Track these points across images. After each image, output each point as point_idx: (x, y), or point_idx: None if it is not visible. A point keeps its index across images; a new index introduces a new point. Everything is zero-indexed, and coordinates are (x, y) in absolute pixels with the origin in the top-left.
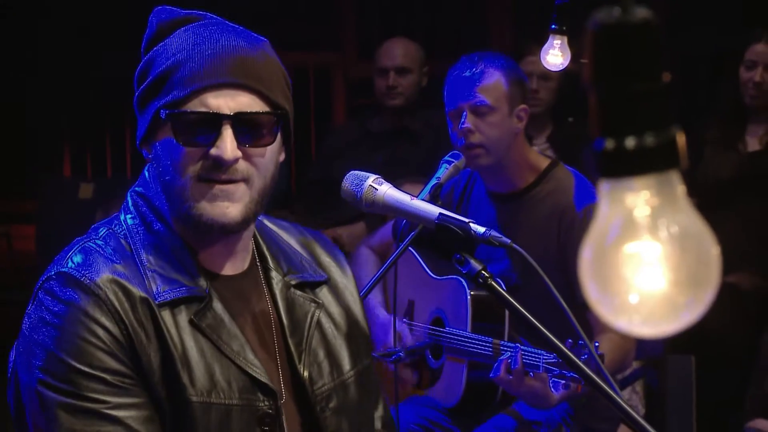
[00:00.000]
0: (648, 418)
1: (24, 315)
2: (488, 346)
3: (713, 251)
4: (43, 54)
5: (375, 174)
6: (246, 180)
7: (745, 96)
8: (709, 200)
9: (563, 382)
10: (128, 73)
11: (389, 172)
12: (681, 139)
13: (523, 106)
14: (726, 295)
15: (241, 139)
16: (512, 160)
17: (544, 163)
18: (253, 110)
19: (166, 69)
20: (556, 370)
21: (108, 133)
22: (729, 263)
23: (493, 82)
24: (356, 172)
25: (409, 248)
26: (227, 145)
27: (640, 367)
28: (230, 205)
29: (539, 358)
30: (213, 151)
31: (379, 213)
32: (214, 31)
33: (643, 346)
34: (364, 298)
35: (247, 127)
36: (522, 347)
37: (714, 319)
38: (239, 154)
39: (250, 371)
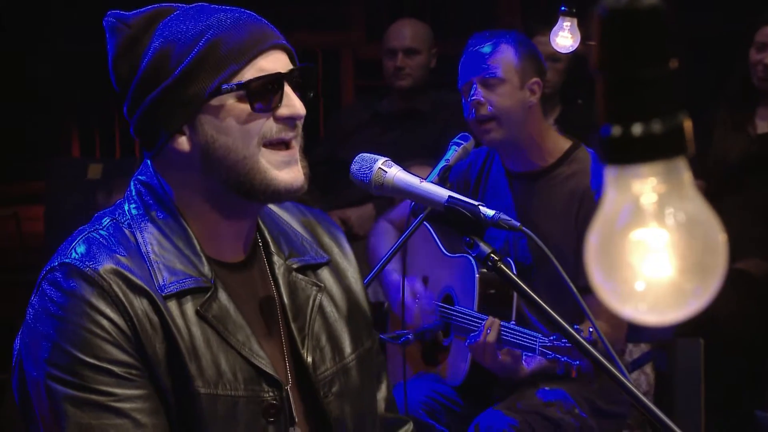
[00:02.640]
0: (657, 400)
1: (27, 305)
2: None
3: (720, 238)
4: (52, 32)
5: (384, 156)
6: (299, 136)
7: (755, 78)
8: (718, 184)
9: (538, 358)
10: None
11: (398, 153)
12: (688, 125)
13: (535, 79)
14: (736, 280)
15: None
16: (529, 136)
17: (566, 144)
18: (298, 66)
19: (203, 49)
20: (551, 354)
21: (117, 114)
22: (738, 248)
23: (503, 55)
24: (365, 154)
25: (426, 224)
26: (295, 101)
27: (650, 350)
28: (296, 168)
29: (535, 341)
30: (284, 110)
31: (389, 195)
32: (221, 8)
33: (653, 330)
34: (379, 272)
35: (296, 84)
36: (505, 324)
37: (724, 304)
38: (304, 108)
39: (255, 362)
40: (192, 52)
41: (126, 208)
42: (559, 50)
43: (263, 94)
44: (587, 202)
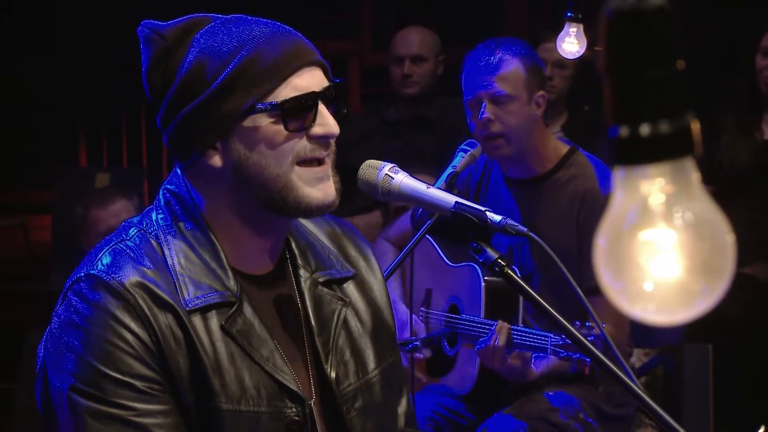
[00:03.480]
0: (665, 406)
1: (53, 313)
2: None
3: (728, 239)
4: (59, 41)
5: (391, 163)
6: (332, 153)
7: (761, 83)
8: (725, 189)
9: (545, 362)
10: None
11: (405, 160)
12: (696, 126)
13: (541, 92)
14: (744, 285)
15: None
16: (532, 146)
17: (563, 149)
18: (333, 83)
19: (238, 66)
20: (563, 353)
21: (124, 123)
22: (745, 253)
23: (512, 70)
24: (372, 161)
25: (427, 237)
26: (329, 120)
27: (658, 355)
28: (329, 185)
29: (547, 341)
30: (318, 129)
31: (396, 202)
32: (257, 21)
33: (661, 335)
34: None
35: (330, 101)
36: (515, 327)
37: (732, 309)
38: (337, 127)
39: (278, 377)
40: (227, 69)
41: (154, 217)
42: (565, 56)
43: (297, 113)
44: (586, 205)
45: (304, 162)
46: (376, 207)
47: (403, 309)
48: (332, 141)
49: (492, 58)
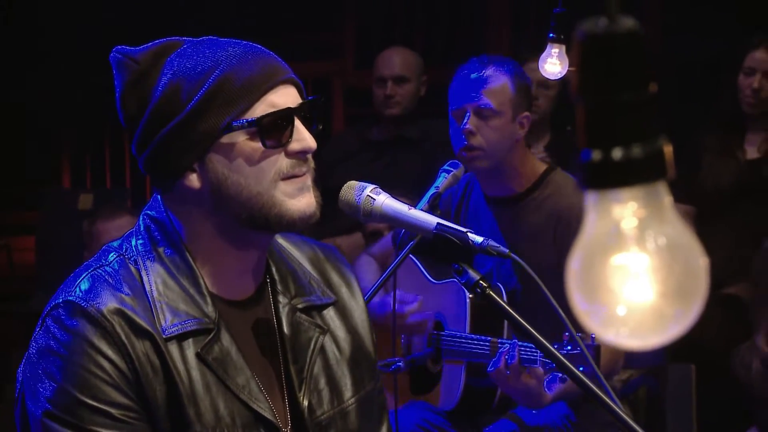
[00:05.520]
0: (648, 426)
1: (31, 339)
2: (486, 345)
3: (701, 262)
4: (42, 63)
5: (373, 184)
6: (311, 168)
7: (743, 103)
8: (708, 208)
9: (560, 375)
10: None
11: (388, 181)
12: (668, 150)
13: (526, 113)
14: (727, 305)
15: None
16: (510, 165)
17: (541, 168)
18: (308, 100)
19: (213, 85)
20: (553, 364)
21: (107, 144)
22: (728, 273)
23: (500, 86)
24: (353, 182)
25: (410, 256)
26: (306, 135)
27: (641, 376)
28: (310, 195)
29: (536, 353)
30: (295, 145)
31: (377, 223)
32: (229, 42)
33: (643, 356)
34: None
35: (306, 118)
36: (519, 342)
37: (714, 329)
38: (314, 142)
39: (254, 406)
40: (202, 89)
41: (133, 242)
42: (547, 77)
43: (274, 130)
44: (563, 223)
45: (286, 178)
46: (359, 228)
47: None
48: (310, 156)
49: (483, 72)
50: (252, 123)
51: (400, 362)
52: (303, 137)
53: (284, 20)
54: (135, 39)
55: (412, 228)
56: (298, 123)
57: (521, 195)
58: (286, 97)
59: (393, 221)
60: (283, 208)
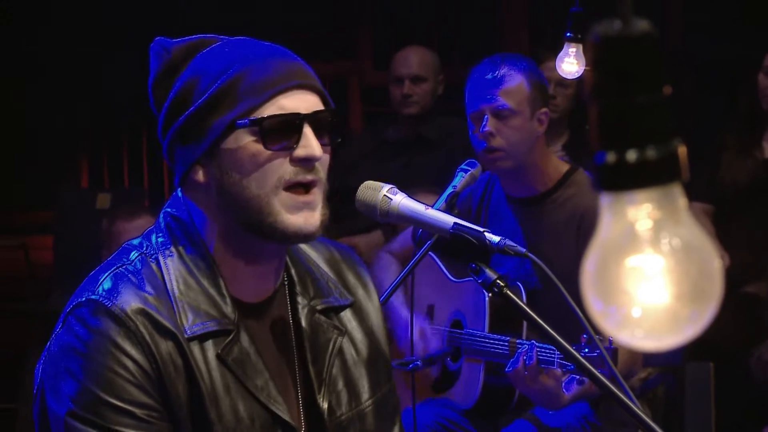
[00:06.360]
0: (666, 425)
1: (52, 335)
2: (504, 345)
3: (716, 264)
4: (59, 63)
5: (389, 184)
6: (320, 182)
7: (763, 102)
8: (726, 207)
9: (577, 378)
10: (145, 83)
11: (405, 180)
12: (683, 151)
13: (544, 109)
14: (746, 304)
15: (317, 139)
16: (532, 164)
17: (564, 167)
18: (324, 108)
19: (225, 83)
20: (571, 366)
21: (125, 143)
22: (747, 272)
23: (515, 85)
24: (370, 182)
25: (429, 252)
26: (313, 142)
27: (659, 374)
28: (312, 215)
29: (554, 354)
30: (300, 151)
31: (394, 223)
32: (256, 43)
33: (661, 354)
34: (384, 303)
35: (320, 126)
36: (537, 344)
37: (733, 328)
38: (321, 150)
39: (273, 408)
40: (215, 84)
41: (154, 240)
42: (564, 76)
43: (278, 133)
44: (586, 223)
45: (290, 187)
46: (377, 227)
47: (406, 313)
48: (318, 166)
49: (497, 72)
50: (255, 122)
51: (418, 361)
52: (309, 144)
53: (301, 20)
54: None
55: (429, 227)
56: (307, 130)
57: (543, 195)
58: (299, 102)
59: (410, 221)
60: (279, 218)
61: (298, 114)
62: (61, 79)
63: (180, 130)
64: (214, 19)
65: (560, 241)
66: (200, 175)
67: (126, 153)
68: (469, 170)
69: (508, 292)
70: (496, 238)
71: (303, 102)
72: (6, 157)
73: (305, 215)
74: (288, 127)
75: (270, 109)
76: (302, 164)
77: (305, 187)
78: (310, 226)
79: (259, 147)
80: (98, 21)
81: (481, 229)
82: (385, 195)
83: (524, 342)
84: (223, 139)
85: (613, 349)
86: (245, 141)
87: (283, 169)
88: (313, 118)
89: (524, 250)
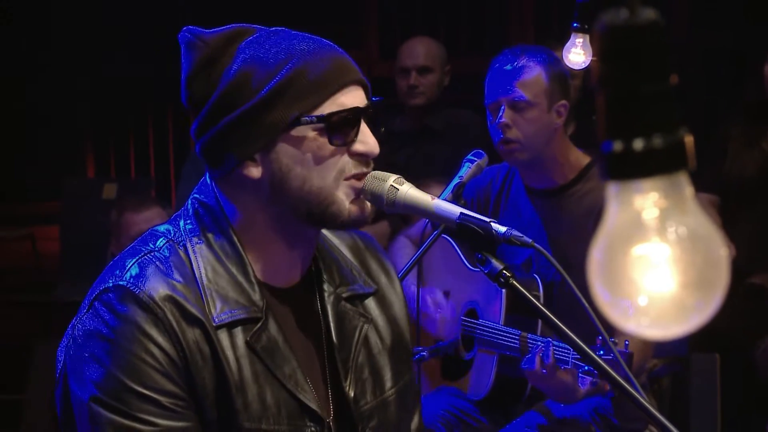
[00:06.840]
0: (672, 415)
1: (77, 320)
2: (516, 339)
3: (722, 253)
4: (65, 53)
5: (396, 174)
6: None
7: None
8: (732, 198)
9: (591, 379)
10: (152, 73)
11: (412, 171)
12: (689, 140)
13: (563, 101)
14: (752, 295)
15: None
16: (551, 155)
17: (584, 160)
18: (375, 102)
19: (285, 78)
20: (585, 366)
21: (131, 134)
22: (753, 263)
23: (533, 77)
24: (377, 172)
25: (449, 239)
26: (370, 138)
27: (665, 365)
28: (367, 202)
29: (568, 353)
30: (359, 147)
31: (401, 213)
32: (302, 35)
33: (667, 345)
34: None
35: (371, 120)
36: (553, 342)
37: (739, 319)
38: (378, 146)
39: (300, 396)
40: (273, 80)
41: (181, 225)
42: (571, 66)
43: (341, 128)
44: (601, 220)
45: (349, 178)
46: (384, 217)
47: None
48: (371, 161)
49: (515, 63)
50: (321, 119)
51: (424, 351)
52: (368, 140)
53: (307, 11)
54: (171, 26)
55: (435, 218)
56: (363, 124)
57: (563, 187)
58: (354, 97)
59: (416, 211)
60: (342, 207)
61: (358, 108)
62: (67, 70)
63: (231, 125)
64: (219, 6)
65: (578, 235)
66: (253, 171)
67: (133, 143)
68: (476, 161)
69: (515, 282)
70: (502, 229)
71: (357, 97)
72: (12, 148)
73: (361, 202)
74: (348, 123)
75: (331, 105)
76: (362, 159)
77: (359, 177)
78: (367, 213)
79: (323, 142)
80: (109, 16)
81: (488, 220)
82: (391, 185)
83: (537, 338)
84: (284, 134)
85: (629, 354)
86: (308, 136)
87: (343, 161)
88: (367, 113)
89: (530, 240)
